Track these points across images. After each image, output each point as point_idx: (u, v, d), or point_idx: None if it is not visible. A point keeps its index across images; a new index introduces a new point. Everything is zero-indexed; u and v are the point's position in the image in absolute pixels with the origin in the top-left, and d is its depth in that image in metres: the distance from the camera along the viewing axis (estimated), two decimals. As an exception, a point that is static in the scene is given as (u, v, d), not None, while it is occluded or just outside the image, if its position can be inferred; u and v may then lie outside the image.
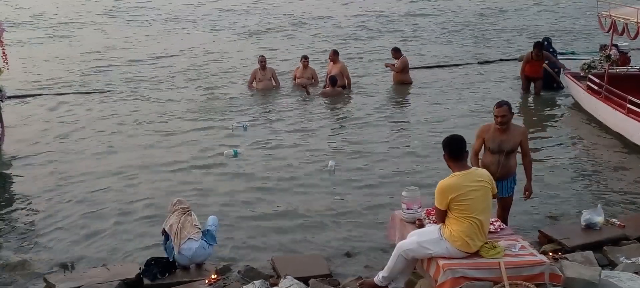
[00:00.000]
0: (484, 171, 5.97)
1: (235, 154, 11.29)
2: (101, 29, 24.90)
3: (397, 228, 6.80)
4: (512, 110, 7.35)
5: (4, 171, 11.07)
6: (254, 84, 15.91)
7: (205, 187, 10.04)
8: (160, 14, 27.88)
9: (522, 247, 5.94)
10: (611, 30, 12.55)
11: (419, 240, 5.87)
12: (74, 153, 11.74)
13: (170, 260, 7.07)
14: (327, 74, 15.78)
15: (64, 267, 7.54)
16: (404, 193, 6.74)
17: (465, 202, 5.63)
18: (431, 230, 5.89)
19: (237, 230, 8.56)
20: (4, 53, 11.71)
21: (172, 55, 20.04)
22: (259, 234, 8.46)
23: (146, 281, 6.86)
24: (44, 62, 19.42)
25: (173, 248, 7.01)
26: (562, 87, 15.21)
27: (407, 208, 6.62)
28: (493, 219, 6.36)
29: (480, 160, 7.39)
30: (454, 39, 22.59)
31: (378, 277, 6.17)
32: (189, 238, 7.02)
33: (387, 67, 16.56)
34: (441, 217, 5.81)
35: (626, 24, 11.93)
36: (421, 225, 6.43)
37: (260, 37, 23.20)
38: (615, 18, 12.29)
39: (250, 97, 15.40)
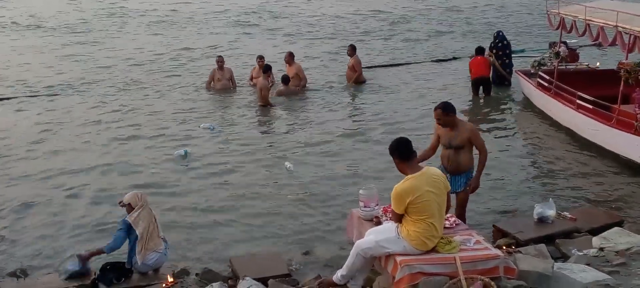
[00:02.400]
0: (436, 169, 6.02)
1: (186, 155, 11.19)
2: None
3: (355, 226, 6.83)
4: (451, 111, 7.48)
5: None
6: (212, 84, 15.85)
7: (159, 188, 9.94)
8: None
9: (477, 242, 6.02)
10: (560, 28, 12.84)
11: (377, 238, 5.90)
12: (27, 157, 11.52)
13: (128, 265, 6.95)
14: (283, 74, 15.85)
15: (16, 275, 7.35)
16: (361, 191, 6.77)
17: (420, 204, 5.68)
18: (389, 228, 5.92)
19: (192, 232, 8.49)
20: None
21: (127, 57, 19.77)
22: (215, 235, 8.41)
23: (102, 286, 6.74)
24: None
25: (135, 252, 6.87)
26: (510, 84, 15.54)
27: (365, 206, 6.65)
28: (448, 215, 6.43)
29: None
30: (406, 37, 22.84)
31: (337, 276, 6.18)
32: (154, 251, 6.93)
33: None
34: (398, 219, 5.85)
35: (574, 21, 12.22)
36: (379, 223, 6.46)
37: (220, 36, 23.10)
38: (564, 15, 12.58)
39: (209, 97, 15.28)
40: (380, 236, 5.91)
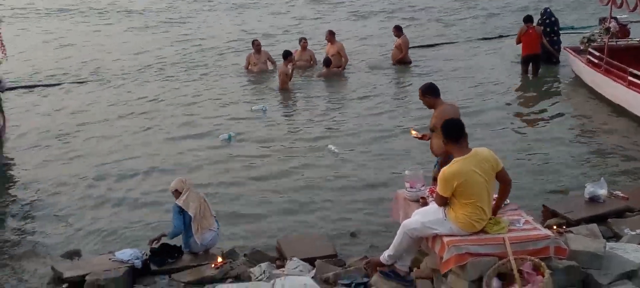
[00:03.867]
0: (484, 150, 5.88)
1: (230, 139, 11.30)
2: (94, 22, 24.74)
3: (401, 208, 6.79)
4: (427, 92, 7.18)
5: (7, 162, 11.06)
6: (250, 68, 15.89)
7: (206, 171, 10.07)
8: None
9: (526, 222, 5.92)
10: (610, 3, 12.49)
11: (424, 220, 5.86)
12: (74, 143, 11.75)
13: (185, 248, 7.07)
14: (326, 54, 15.81)
15: (70, 255, 7.56)
16: (406, 172, 6.72)
17: (468, 188, 5.58)
18: (435, 209, 5.86)
19: (242, 213, 8.59)
20: (1, 44, 11.64)
21: (161, 47, 19.92)
22: (263, 217, 8.50)
23: (153, 267, 6.89)
24: (39, 53, 19.33)
25: (191, 234, 7.00)
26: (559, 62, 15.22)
27: (410, 187, 6.60)
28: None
29: None
30: (451, 17, 22.50)
31: (384, 256, 6.17)
32: (209, 230, 7.05)
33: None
34: (443, 203, 5.77)
35: (625, -5, 11.88)
36: (425, 204, 6.41)
37: (253, 19, 23.14)
38: (614, -10, 12.24)
39: (248, 81, 15.36)
40: (427, 217, 5.86)
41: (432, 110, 7.30)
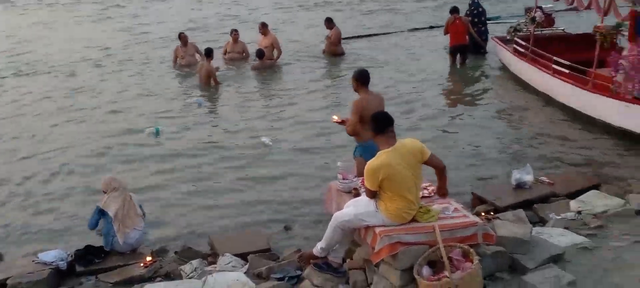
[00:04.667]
0: (410, 140, 5.90)
1: (157, 133, 11.09)
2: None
3: (333, 199, 6.79)
4: (354, 78, 7.27)
5: None
6: (178, 61, 15.63)
7: (133, 166, 9.85)
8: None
9: (456, 209, 6.00)
10: (536, -8, 12.82)
11: (356, 211, 5.85)
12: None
13: (107, 248, 6.88)
14: (258, 46, 15.71)
15: (-9, 258, 7.26)
16: (339, 164, 6.72)
17: (394, 181, 5.60)
18: (367, 201, 5.85)
19: (171, 210, 8.42)
20: None
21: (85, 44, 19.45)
22: (194, 213, 8.33)
23: (79, 268, 6.68)
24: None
25: (113, 234, 6.81)
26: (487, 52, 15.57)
27: (343, 179, 6.61)
28: (426, 184, 6.40)
29: None
30: (381, 7, 22.73)
31: (317, 248, 6.14)
32: (134, 229, 6.86)
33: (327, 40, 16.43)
34: (372, 196, 5.78)
35: (550, -15, 12.20)
36: (357, 194, 6.42)
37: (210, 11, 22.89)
38: (539, -21, 12.55)
39: (178, 75, 15.10)
40: (359, 209, 5.86)
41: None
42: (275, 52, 15.63)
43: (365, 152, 7.39)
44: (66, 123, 12.03)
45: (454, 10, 14.72)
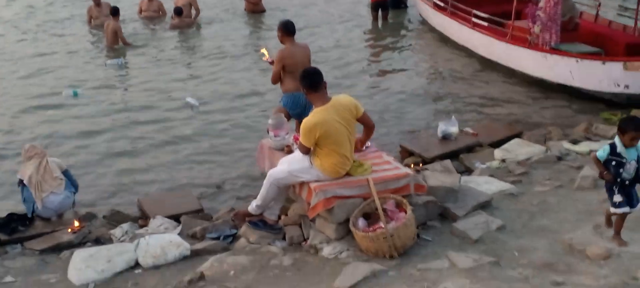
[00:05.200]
0: (344, 97, 5.93)
1: (75, 94, 10.73)
2: None
3: (266, 157, 6.75)
4: (280, 28, 7.41)
5: None
6: (92, 22, 15.03)
7: (53, 131, 9.49)
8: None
9: (387, 162, 6.09)
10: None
11: (290, 168, 5.84)
12: None
13: (30, 215, 6.62)
14: (155, 8, 15.38)
15: None
16: (270, 121, 6.66)
17: (330, 137, 5.60)
18: (301, 158, 5.83)
19: (95, 174, 8.18)
20: None
21: None
22: (120, 177, 8.13)
23: (2, 236, 6.40)
24: None
25: (33, 201, 6.56)
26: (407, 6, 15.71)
27: (275, 136, 6.57)
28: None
29: None
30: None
31: (252, 206, 6.11)
32: (52, 193, 6.60)
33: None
34: (306, 152, 5.77)
35: None
36: (290, 151, 6.39)
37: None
38: None
39: (93, 35, 14.55)
40: (293, 166, 5.85)
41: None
42: (193, 11, 15.27)
43: (289, 102, 7.49)
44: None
45: None
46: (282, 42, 7.48)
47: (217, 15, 15.91)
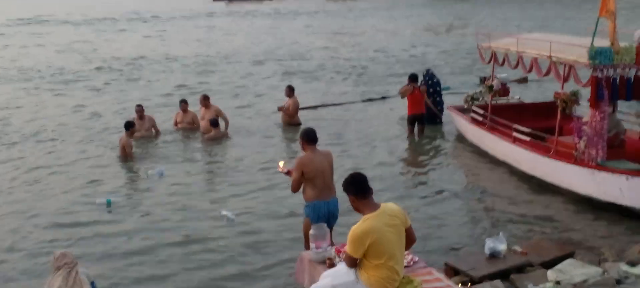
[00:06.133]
0: (393, 205, 5.63)
1: (109, 203, 10.54)
2: None
3: (306, 271, 6.39)
4: (302, 139, 7.49)
5: None
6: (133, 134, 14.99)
7: (81, 239, 9.23)
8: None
9: (438, 279, 5.70)
10: (492, 61, 12.89)
11: (334, 282, 5.46)
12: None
13: None
14: (201, 119, 15.34)
15: None
16: (311, 232, 6.35)
17: (380, 247, 5.26)
18: (346, 271, 5.47)
19: (127, 286, 7.79)
20: None
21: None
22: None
23: None
24: None
25: None
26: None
27: (316, 248, 6.22)
28: (405, 252, 6.05)
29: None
30: (335, 78, 22.83)
31: (290, 325, 5.70)
32: None
33: (279, 110, 16.20)
34: (353, 264, 5.40)
35: (506, 54, 12.27)
36: (332, 265, 6.03)
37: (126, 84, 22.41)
38: (495, 49, 12.64)
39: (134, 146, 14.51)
40: (338, 279, 5.47)
41: None
42: (222, 122, 15.26)
43: (310, 212, 7.31)
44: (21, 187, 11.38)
45: (413, 79, 14.67)
46: (303, 149, 7.47)
47: (254, 126, 15.88)
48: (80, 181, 12.03)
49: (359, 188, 5.47)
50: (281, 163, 7.70)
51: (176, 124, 15.72)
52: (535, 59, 11.29)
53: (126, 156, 13.36)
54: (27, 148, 14.40)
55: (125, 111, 17.20)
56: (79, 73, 24.67)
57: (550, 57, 10.65)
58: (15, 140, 15.08)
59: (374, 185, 10.80)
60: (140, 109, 15.15)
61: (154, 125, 15.25)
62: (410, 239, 5.60)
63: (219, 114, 15.29)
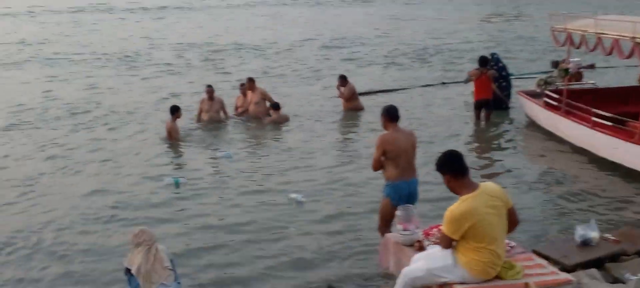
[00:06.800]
0: (494, 185, 5.25)
1: (177, 184, 10.38)
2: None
3: (391, 254, 6.05)
4: (384, 116, 7.20)
5: None
6: (202, 115, 14.84)
7: (158, 220, 9.05)
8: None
9: (540, 265, 5.29)
10: (567, 44, 12.30)
11: (429, 266, 5.11)
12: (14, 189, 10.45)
13: None
14: (248, 104, 15.11)
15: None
16: (397, 213, 6.01)
17: (481, 229, 4.91)
18: (443, 254, 5.11)
19: (200, 266, 7.60)
20: None
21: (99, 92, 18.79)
22: (227, 273, 7.47)
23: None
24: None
25: None
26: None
27: (403, 230, 5.87)
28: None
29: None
30: (398, 63, 22.39)
31: (380, 310, 5.38)
32: (161, 284, 6.05)
33: (339, 96, 15.91)
34: (449, 245, 5.04)
35: (583, 36, 11.69)
36: (421, 248, 5.68)
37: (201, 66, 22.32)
38: (571, 31, 12.05)
39: (199, 129, 14.37)
40: (434, 263, 5.11)
41: None
42: (268, 104, 15.04)
43: (392, 192, 7.03)
44: (74, 174, 11.31)
45: (483, 63, 14.12)
46: (385, 128, 7.13)
47: (314, 110, 15.64)
48: (151, 161, 12.00)
49: (456, 166, 5.10)
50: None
51: (237, 108, 15.49)
52: (617, 41, 10.69)
53: (172, 141, 13.13)
54: (104, 129, 14.44)
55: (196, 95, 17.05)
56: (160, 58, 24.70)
57: (634, 38, 10.06)
58: (99, 122, 15.03)
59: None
60: (210, 90, 14.85)
61: (223, 107, 14.96)
62: (513, 221, 5.22)
63: (265, 96, 15.03)
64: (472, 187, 5.04)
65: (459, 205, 4.96)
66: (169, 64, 23.24)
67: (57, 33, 31.21)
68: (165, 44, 27.77)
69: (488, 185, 5.16)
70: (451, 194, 5.26)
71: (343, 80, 15.83)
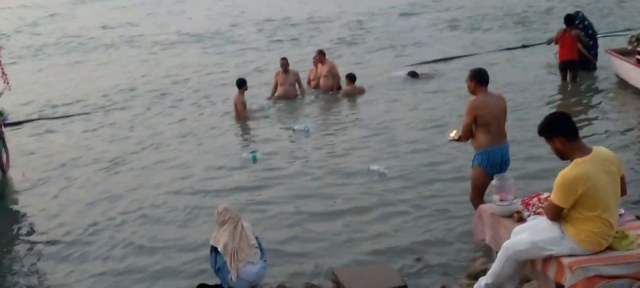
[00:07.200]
0: (606, 150, 4.84)
1: (254, 159, 10.31)
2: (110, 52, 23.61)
3: (487, 225, 5.72)
4: (472, 80, 6.78)
5: (12, 200, 10.04)
6: (278, 88, 14.57)
7: (238, 194, 9.06)
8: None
9: (653, 234, 4.84)
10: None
11: (534, 239, 4.75)
12: (82, 179, 10.47)
13: (225, 285, 5.98)
14: (317, 77, 14.82)
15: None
16: (493, 182, 5.68)
17: (593, 196, 4.52)
18: (549, 226, 4.75)
19: (285, 241, 7.49)
20: (3, 73, 10.66)
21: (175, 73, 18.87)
22: (312, 247, 7.32)
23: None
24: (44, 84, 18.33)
25: (228, 271, 5.91)
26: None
27: (500, 200, 5.53)
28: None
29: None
30: (475, 27, 21.68)
31: (480, 285, 5.06)
32: (248, 262, 5.95)
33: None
34: (557, 216, 4.68)
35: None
36: (521, 219, 5.33)
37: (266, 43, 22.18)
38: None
39: (275, 103, 14.25)
40: (539, 235, 4.75)
41: None
42: (334, 80, 14.68)
43: (484, 160, 6.62)
44: (153, 150, 11.47)
45: (568, 21, 13.40)
46: (473, 92, 6.73)
47: (382, 81, 15.27)
48: (228, 138, 12.00)
49: (568, 127, 4.71)
50: (452, 134, 7.00)
51: (309, 81, 15.25)
52: None
53: (239, 114, 12.97)
54: (185, 108, 14.48)
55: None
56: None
57: None
58: (177, 102, 15.08)
59: (526, 141, 10.01)
60: (285, 62, 14.55)
61: (298, 80, 14.68)
62: (622, 190, 4.81)
63: (332, 70, 14.70)
64: (586, 150, 4.65)
65: (572, 168, 4.57)
66: (251, 40, 23.06)
67: (142, 15, 31.33)
68: (247, 22, 27.56)
69: (601, 149, 4.76)
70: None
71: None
